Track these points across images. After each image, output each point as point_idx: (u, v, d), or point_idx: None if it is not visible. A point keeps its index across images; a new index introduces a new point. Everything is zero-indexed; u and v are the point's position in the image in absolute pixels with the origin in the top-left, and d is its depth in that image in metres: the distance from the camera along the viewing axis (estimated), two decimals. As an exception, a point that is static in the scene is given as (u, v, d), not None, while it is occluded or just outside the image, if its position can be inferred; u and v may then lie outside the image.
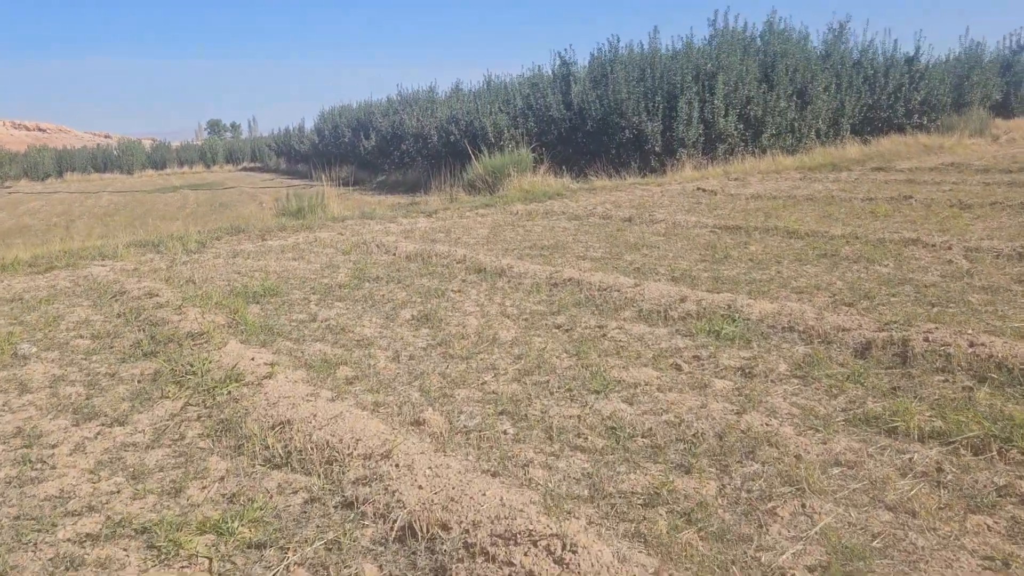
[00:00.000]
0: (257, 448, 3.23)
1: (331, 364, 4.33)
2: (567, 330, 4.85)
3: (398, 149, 26.51)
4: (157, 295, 6.20)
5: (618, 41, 18.37)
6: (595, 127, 16.78)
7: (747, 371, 3.91)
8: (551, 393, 3.75)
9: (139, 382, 4.24)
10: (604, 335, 4.69)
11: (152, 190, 33.88)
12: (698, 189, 12.50)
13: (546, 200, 12.16)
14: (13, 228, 19.87)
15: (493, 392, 3.80)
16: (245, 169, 53.16)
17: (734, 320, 4.72)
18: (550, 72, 21.33)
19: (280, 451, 3.16)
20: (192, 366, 4.29)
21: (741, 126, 16.26)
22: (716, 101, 16.01)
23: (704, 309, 4.98)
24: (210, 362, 4.34)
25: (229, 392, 3.87)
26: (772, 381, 3.76)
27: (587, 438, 3.20)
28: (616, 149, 16.42)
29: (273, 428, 3.38)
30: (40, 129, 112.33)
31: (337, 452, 3.07)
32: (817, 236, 7.60)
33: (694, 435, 3.18)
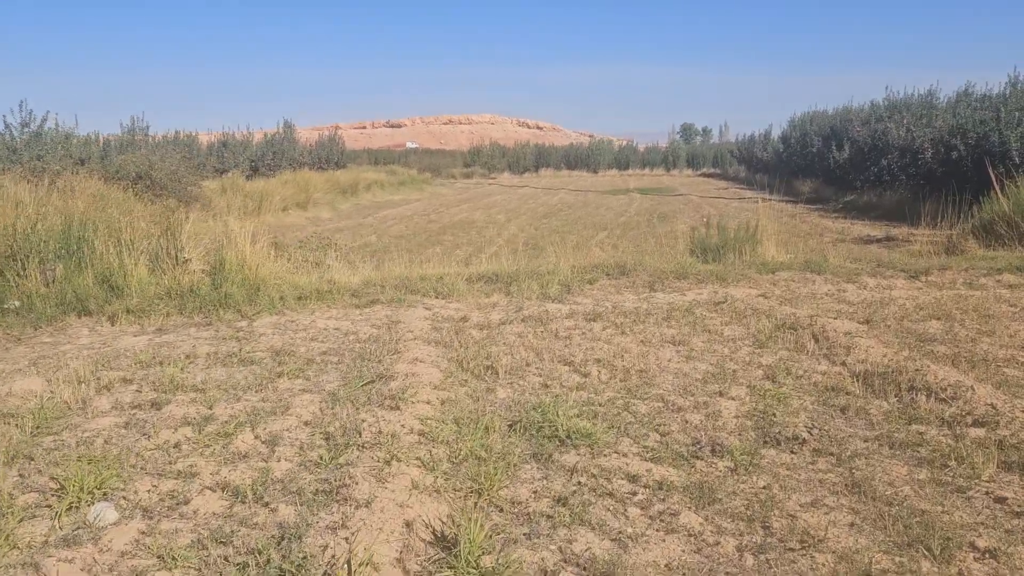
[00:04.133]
0: None
1: None
2: None
3: (876, 164, 21.54)
4: (401, 404, 3.67)
5: None
6: None
7: None
8: None
9: None
10: None
11: (605, 191, 33.63)
12: None
13: None
14: (461, 222, 20.15)
15: None
16: (704, 175, 51.35)
17: None
18: None
19: None
20: None
21: None
22: None
23: None
24: None
25: None
26: None
27: None
28: None
29: None
30: (538, 127, 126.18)
31: None
32: None
33: None
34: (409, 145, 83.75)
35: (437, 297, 6.38)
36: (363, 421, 3.48)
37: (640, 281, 6.95)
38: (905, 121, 20.89)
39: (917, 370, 4.14)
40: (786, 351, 4.80)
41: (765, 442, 3.33)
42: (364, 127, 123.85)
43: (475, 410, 3.67)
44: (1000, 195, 9.39)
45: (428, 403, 3.70)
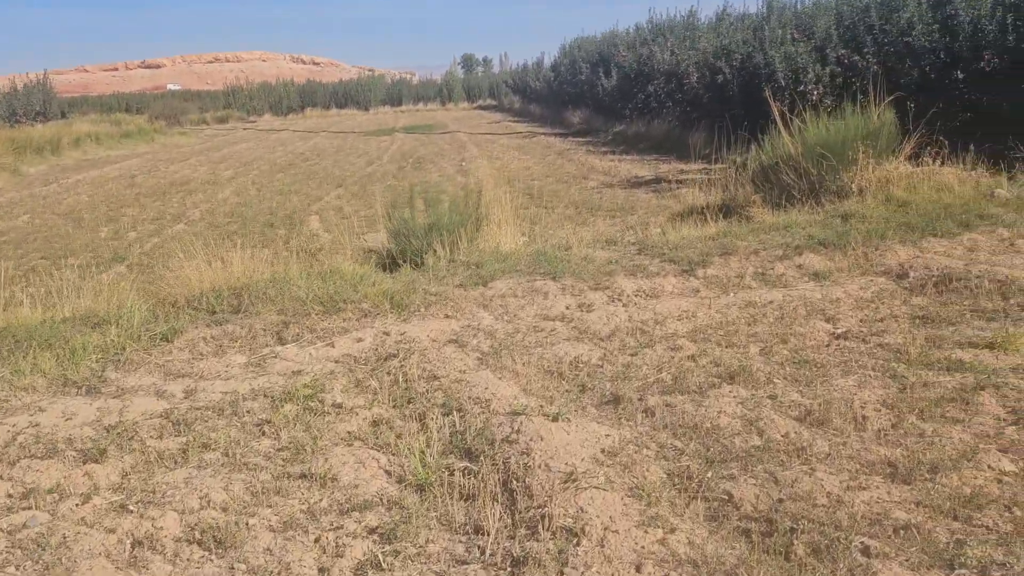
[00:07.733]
0: None
1: None
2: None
3: (643, 91, 19.93)
4: None
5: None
6: (1008, 66, 9.04)
7: None
8: None
9: None
10: None
11: (370, 131, 30.14)
12: None
13: (963, 231, 5.27)
14: (172, 184, 16.07)
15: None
16: (480, 108, 49.05)
17: None
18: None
19: None
20: None
21: None
22: None
23: None
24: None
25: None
26: None
27: None
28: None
29: None
30: (315, 63, 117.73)
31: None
32: None
33: None
34: (171, 87, 75.16)
35: None
36: None
37: (263, 325, 4.07)
38: (670, 44, 19.29)
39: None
40: (447, 558, 2.16)
41: None
42: (116, 69, 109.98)
43: None
44: (784, 131, 7.41)
45: None
